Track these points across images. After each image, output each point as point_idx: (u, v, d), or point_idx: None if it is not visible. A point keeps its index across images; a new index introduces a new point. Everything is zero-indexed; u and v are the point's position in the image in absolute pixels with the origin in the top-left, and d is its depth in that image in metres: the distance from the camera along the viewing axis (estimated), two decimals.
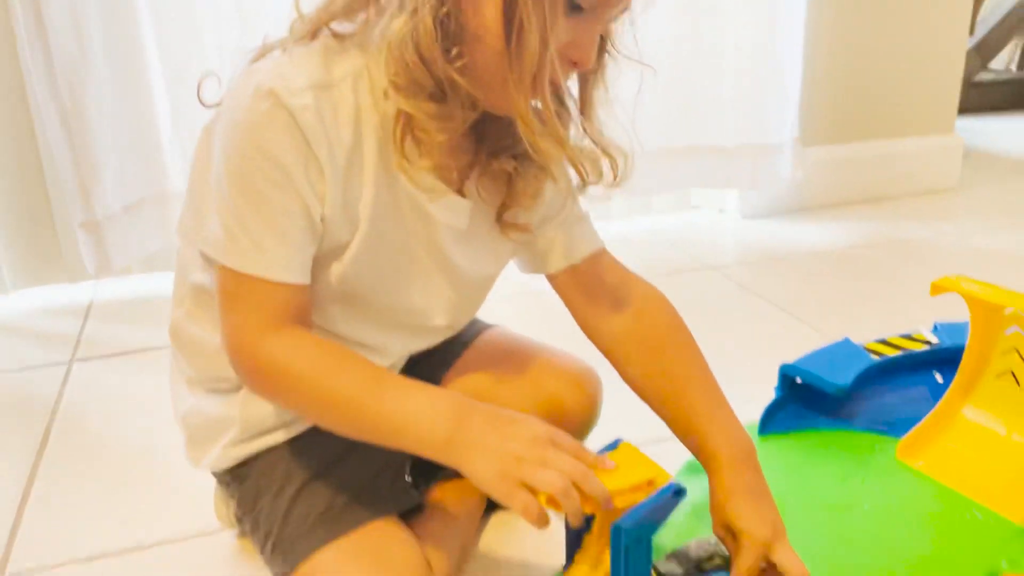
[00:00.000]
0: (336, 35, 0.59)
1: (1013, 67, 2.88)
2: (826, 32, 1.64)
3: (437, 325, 0.69)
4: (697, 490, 0.71)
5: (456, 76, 0.55)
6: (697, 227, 1.68)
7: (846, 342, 0.95)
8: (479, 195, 0.65)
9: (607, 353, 0.73)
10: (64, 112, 1.18)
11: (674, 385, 0.70)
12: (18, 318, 1.32)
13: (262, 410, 0.67)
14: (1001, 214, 1.70)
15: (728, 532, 0.64)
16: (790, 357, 0.91)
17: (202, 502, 0.81)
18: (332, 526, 0.64)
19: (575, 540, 0.62)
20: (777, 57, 1.51)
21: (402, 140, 0.58)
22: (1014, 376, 0.81)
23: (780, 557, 0.62)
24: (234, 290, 0.59)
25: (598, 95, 0.64)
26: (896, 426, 0.88)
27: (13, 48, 1.22)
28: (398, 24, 0.54)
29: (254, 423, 0.67)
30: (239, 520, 0.70)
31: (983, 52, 2.70)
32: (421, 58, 0.55)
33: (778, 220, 1.68)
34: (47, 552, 0.78)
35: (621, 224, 1.68)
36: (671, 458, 0.79)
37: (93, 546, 0.78)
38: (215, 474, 0.72)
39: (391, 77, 0.56)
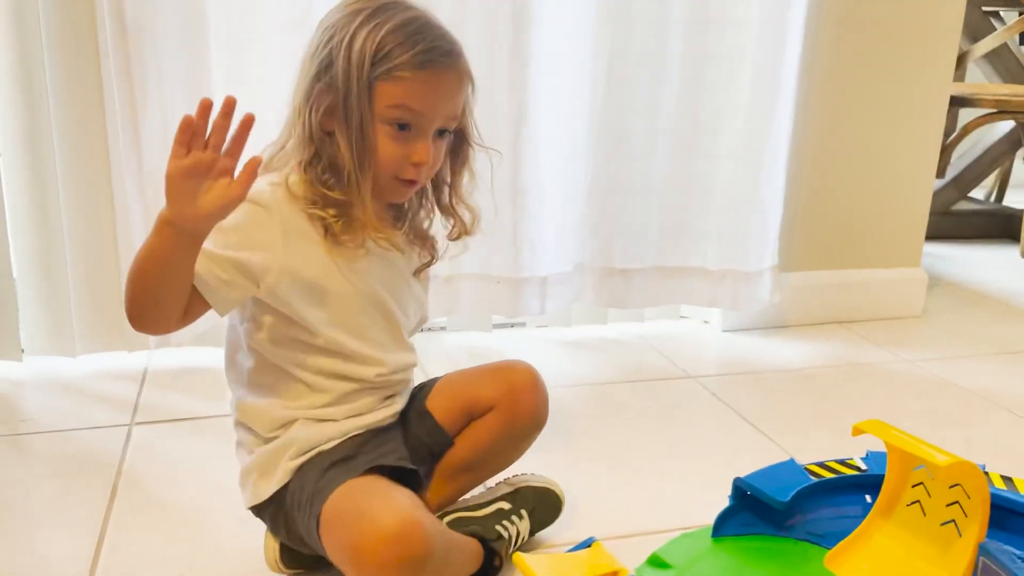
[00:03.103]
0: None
1: (992, 199, 3.12)
2: (806, 171, 1.86)
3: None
4: None
5: (338, 196, 0.86)
6: (682, 336, 1.87)
7: (791, 462, 1.13)
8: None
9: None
10: (147, 209, 1.39)
11: None
12: (83, 380, 1.51)
13: (311, 432, 0.91)
14: (958, 343, 1.89)
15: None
16: (747, 467, 1.09)
17: (252, 552, 0.99)
18: (345, 474, 0.86)
19: None
20: (761, 195, 1.72)
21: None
22: (921, 506, 1.00)
23: None
24: None
25: (463, 177, 0.97)
26: (827, 538, 1.06)
27: (105, 145, 1.44)
28: (294, 178, 0.87)
29: (305, 441, 0.90)
30: (278, 530, 0.92)
31: (961, 184, 2.93)
32: (312, 190, 0.86)
33: (755, 335, 1.88)
34: None
35: (616, 327, 1.88)
36: (634, 554, 0.97)
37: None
38: (261, 510, 0.92)
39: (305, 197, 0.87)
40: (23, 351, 1.53)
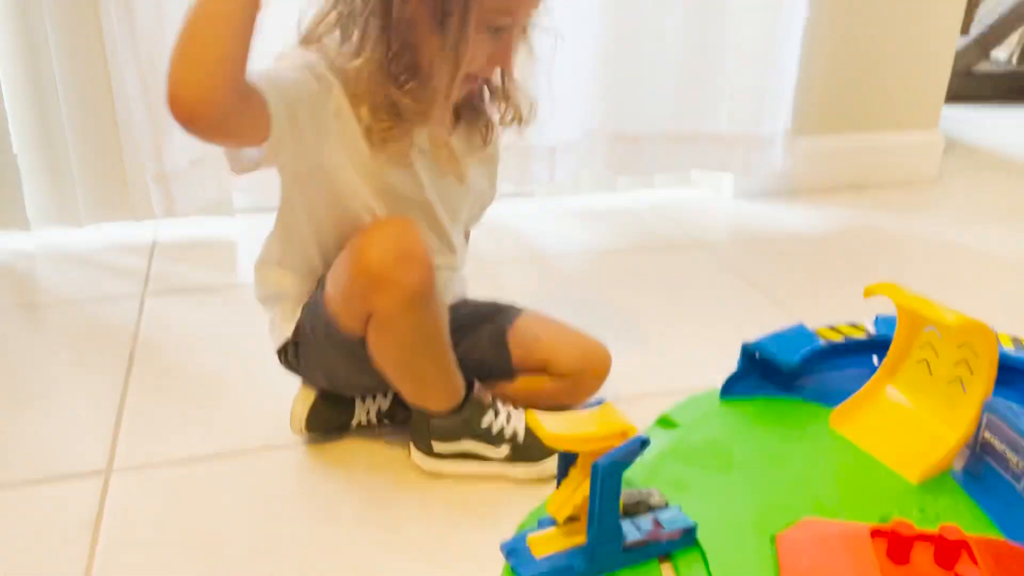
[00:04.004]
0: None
1: (1014, 60, 3.01)
2: (822, 32, 1.79)
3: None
4: (661, 441, 0.91)
5: (408, 101, 0.80)
6: (693, 204, 1.85)
7: (800, 327, 1.13)
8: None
9: None
10: (143, 76, 1.35)
11: None
12: (92, 251, 1.52)
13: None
14: (973, 209, 1.87)
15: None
16: (756, 333, 1.10)
17: (270, 420, 1.01)
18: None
19: (564, 470, 0.81)
20: (775, 56, 1.66)
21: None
22: (928, 365, 1.00)
23: None
24: None
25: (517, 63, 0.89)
26: (833, 398, 1.07)
27: (97, 20, 1.39)
28: (357, 63, 0.79)
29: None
30: (306, 369, 0.95)
31: (984, 43, 2.82)
32: (379, 89, 0.79)
33: (767, 202, 1.86)
34: (145, 454, 0.98)
35: (625, 196, 1.86)
36: (644, 414, 0.99)
37: (183, 452, 0.98)
38: (289, 354, 0.95)
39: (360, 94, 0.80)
40: (29, 222, 1.52)
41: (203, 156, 1.49)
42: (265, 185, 1.53)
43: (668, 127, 1.69)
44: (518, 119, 0.93)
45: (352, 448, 0.99)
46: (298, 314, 0.93)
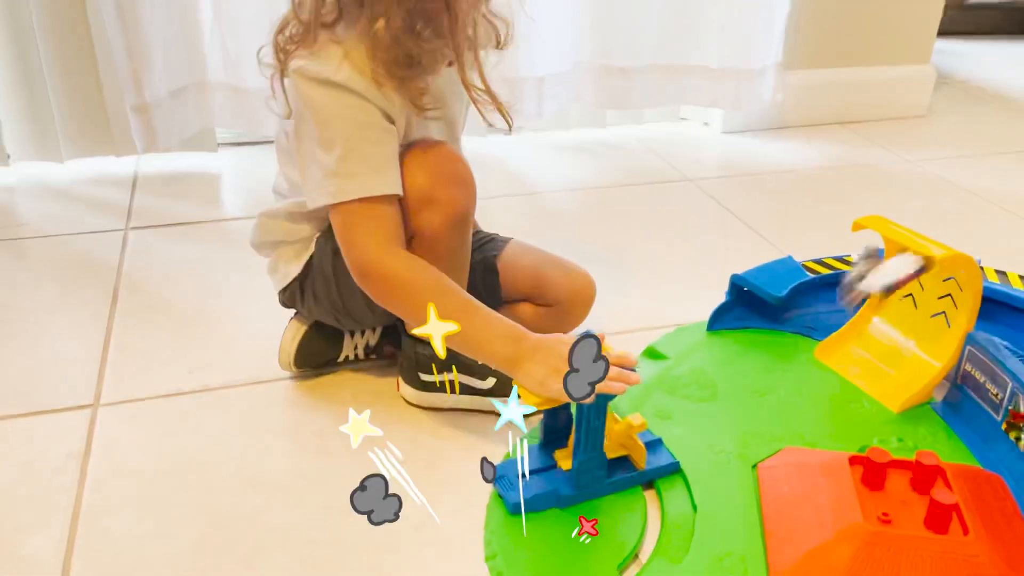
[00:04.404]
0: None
1: None
2: None
3: None
4: (647, 372, 0.92)
5: (422, 48, 0.79)
6: (682, 139, 1.84)
7: (788, 259, 1.14)
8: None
9: None
10: (120, 7, 1.31)
11: None
12: (73, 186, 1.49)
13: None
14: (962, 143, 1.86)
15: None
16: (744, 266, 1.10)
17: (258, 354, 1.02)
18: None
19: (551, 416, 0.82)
20: None
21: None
22: (913, 299, 1.01)
23: None
24: (356, 219, 0.81)
25: None
26: (818, 331, 1.08)
27: None
28: (378, 25, 0.77)
29: None
30: (307, 303, 0.95)
31: None
32: (395, 43, 0.78)
33: (756, 137, 1.84)
34: (132, 388, 0.98)
35: (614, 131, 1.84)
36: (631, 347, 0.99)
37: (170, 385, 0.98)
38: (292, 291, 0.95)
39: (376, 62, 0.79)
40: (9, 156, 1.49)
41: (184, 87, 1.45)
42: (248, 119, 1.51)
43: (658, 60, 1.67)
44: (497, 42, 0.92)
45: (340, 381, 0.99)
46: (306, 254, 0.93)
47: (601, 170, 1.65)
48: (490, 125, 0.89)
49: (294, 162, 0.88)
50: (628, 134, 1.83)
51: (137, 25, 1.35)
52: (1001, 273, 1.10)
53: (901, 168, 1.71)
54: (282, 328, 0.99)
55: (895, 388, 0.97)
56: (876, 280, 0.91)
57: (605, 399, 0.76)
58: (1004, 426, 0.87)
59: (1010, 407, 0.86)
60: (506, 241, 1.03)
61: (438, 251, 0.86)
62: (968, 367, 0.93)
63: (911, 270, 0.89)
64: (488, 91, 0.85)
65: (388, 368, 1.00)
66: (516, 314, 0.99)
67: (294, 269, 0.94)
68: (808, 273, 1.12)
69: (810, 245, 1.31)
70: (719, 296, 1.10)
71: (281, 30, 0.82)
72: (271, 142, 1.47)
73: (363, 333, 1.01)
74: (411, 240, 0.85)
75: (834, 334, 1.05)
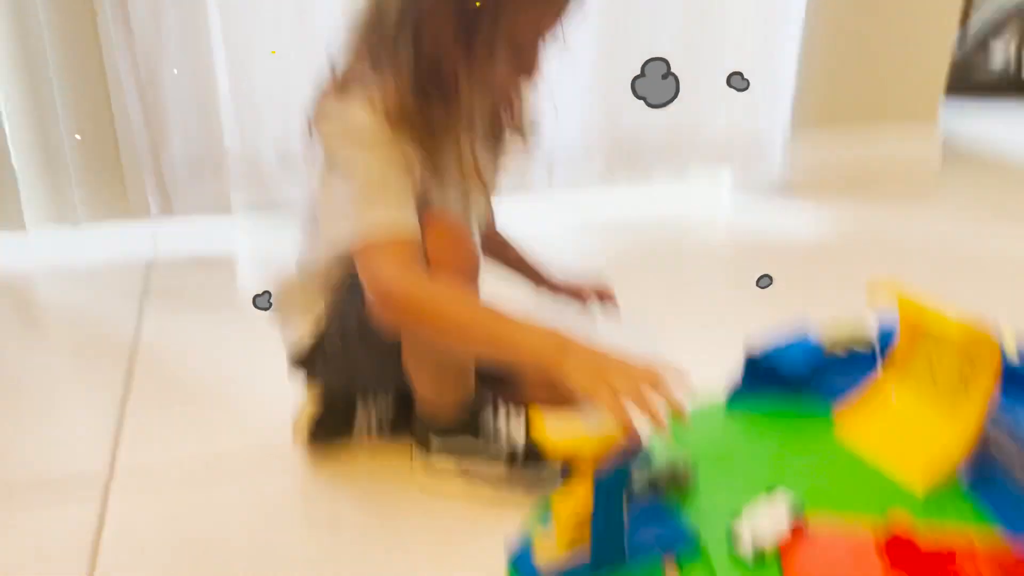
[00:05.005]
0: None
1: (1012, 53, 2.98)
2: (821, 24, 1.77)
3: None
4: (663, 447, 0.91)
5: (433, 113, 0.81)
6: (691, 201, 1.84)
7: (802, 332, 1.13)
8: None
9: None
10: (140, 84, 1.35)
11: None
12: (90, 259, 1.51)
13: None
14: (972, 205, 1.86)
15: None
16: (757, 333, 1.09)
17: (271, 429, 1.01)
18: None
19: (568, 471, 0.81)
20: (774, 52, 1.66)
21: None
22: (931, 367, 1.00)
23: None
24: (379, 252, 0.80)
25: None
26: (837, 403, 1.07)
27: (93, 23, 1.38)
28: (393, 82, 0.80)
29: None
30: (319, 366, 0.95)
31: (982, 37, 2.80)
32: (404, 105, 0.80)
33: (765, 199, 1.85)
34: (146, 462, 0.98)
35: (623, 193, 1.85)
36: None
37: (184, 460, 0.98)
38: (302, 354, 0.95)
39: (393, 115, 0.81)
40: (26, 223, 1.51)
41: (201, 155, 1.48)
42: (263, 184, 1.53)
43: (666, 125, 1.69)
44: (521, 134, 0.93)
45: (354, 456, 0.99)
46: (317, 308, 0.93)
47: (611, 232, 1.66)
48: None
49: (317, 216, 0.90)
50: (637, 195, 1.84)
51: (156, 94, 1.38)
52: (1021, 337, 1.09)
53: (913, 229, 1.71)
54: (296, 402, 0.98)
55: (918, 463, 0.96)
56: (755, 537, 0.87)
57: (623, 481, 0.75)
58: None
59: None
60: None
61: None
62: (992, 438, 0.92)
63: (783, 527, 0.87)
64: (480, 178, 0.87)
65: (403, 443, 1.00)
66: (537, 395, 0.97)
67: (305, 324, 0.94)
68: (824, 345, 1.11)
69: (824, 309, 1.31)
70: (734, 363, 1.09)
71: (318, 85, 0.85)
72: (285, 210, 1.50)
73: (376, 405, 1.00)
74: None
75: (852, 407, 1.04)
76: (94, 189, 1.51)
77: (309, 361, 0.96)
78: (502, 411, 0.95)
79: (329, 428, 0.98)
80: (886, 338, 1.10)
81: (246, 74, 1.46)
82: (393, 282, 0.80)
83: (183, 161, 1.46)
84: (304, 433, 0.97)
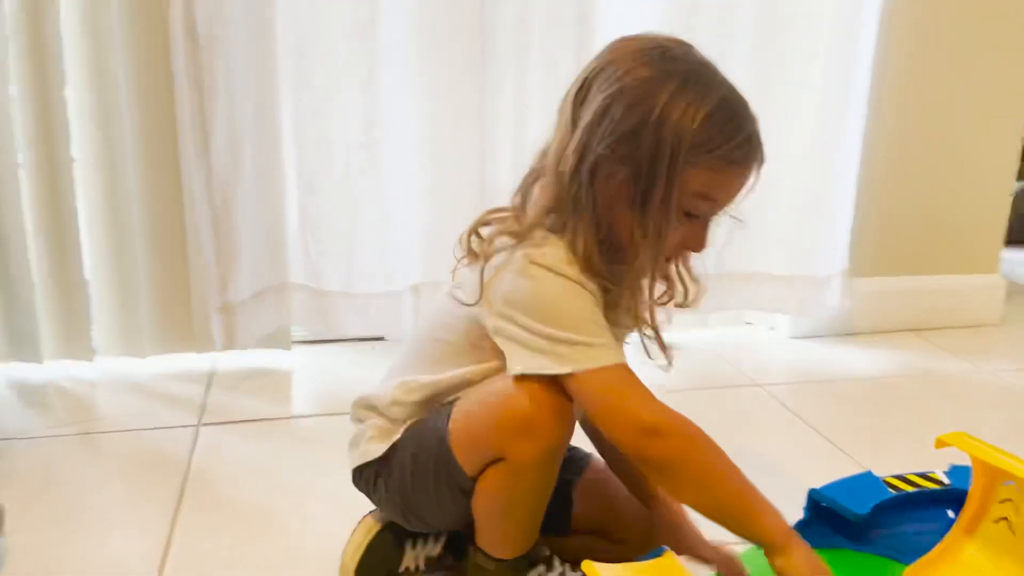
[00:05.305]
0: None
1: None
2: (878, 173, 1.80)
3: None
4: None
5: (610, 267, 0.81)
6: (748, 343, 1.83)
7: (868, 474, 1.09)
8: None
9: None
10: (216, 215, 1.42)
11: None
12: (151, 381, 1.54)
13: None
14: None
15: None
16: (820, 479, 1.05)
17: (319, 560, 0.99)
18: None
19: None
20: (830, 198, 1.68)
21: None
22: (1009, 523, 0.95)
23: None
24: (623, 383, 0.81)
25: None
26: (906, 554, 1.01)
27: (175, 149, 1.46)
28: (576, 237, 0.80)
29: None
30: (380, 493, 0.92)
31: None
32: (590, 256, 0.80)
33: (825, 343, 1.82)
34: None
35: (679, 335, 1.85)
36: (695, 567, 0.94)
37: None
38: (366, 471, 0.92)
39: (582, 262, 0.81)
40: (95, 352, 1.56)
41: (266, 288, 1.53)
42: (324, 317, 1.57)
43: (721, 266, 1.70)
44: (682, 302, 0.93)
45: None
46: (392, 437, 0.90)
47: (668, 373, 1.64)
48: (649, 357, 0.89)
49: (425, 349, 0.91)
50: (694, 337, 1.84)
51: (229, 230, 1.44)
52: None
53: (978, 378, 1.66)
54: (347, 530, 0.97)
55: None
56: None
57: None
58: None
59: None
60: (585, 463, 1.00)
61: (526, 480, 0.83)
62: None
63: None
64: (656, 333, 0.87)
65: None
66: (589, 547, 0.94)
67: (376, 449, 0.91)
68: (890, 490, 1.06)
69: (888, 458, 1.26)
70: (795, 509, 1.05)
71: (484, 223, 0.85)
72: (343, 341, 1.52)
73: (425, 542, 0.98)
74: (497, 462, 0.83)
75: (923, 559, 0.98)
76: (162, 324, 1.56)
77: (365, 480, 0.94)
78: (556, 564, 0.92)
79: (376, 561, 0.96)
80: (957, 488, 1.06)
81: (315, 205, 1.52)
82: (661, 413, 0.80)
83: (249, 296, 1.51)
84: (351, 567, 0.95)
